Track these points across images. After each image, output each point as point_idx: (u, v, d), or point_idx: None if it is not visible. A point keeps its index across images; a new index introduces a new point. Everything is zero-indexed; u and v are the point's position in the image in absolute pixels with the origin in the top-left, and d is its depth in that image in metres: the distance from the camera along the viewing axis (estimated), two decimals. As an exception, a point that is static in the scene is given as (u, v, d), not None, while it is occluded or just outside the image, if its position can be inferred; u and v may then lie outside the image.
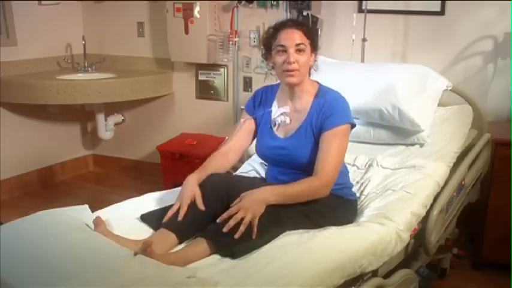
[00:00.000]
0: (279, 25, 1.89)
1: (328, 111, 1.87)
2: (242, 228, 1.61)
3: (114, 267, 1.39)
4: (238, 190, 1.80)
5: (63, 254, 1.46)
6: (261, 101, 2.06)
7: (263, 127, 2.03)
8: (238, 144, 2.06)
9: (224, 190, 1.81)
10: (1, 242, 1.51)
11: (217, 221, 1.66)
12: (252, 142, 2.10)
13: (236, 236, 1.60)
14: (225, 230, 1.61)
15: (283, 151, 1.93)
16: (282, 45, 1.85)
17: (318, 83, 1.99)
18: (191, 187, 1.80)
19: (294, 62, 1.84)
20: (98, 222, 1.67)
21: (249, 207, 1.65)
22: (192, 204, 1.77)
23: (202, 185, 1.84)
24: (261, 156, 2.07)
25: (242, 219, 1.63)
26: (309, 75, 1.97)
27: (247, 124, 2.06)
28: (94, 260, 1.43)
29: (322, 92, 1.95)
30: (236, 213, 1.64)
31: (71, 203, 3.55)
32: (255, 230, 1.63)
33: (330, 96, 1.92)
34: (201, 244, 1.63)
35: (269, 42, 1.91)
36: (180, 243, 1.70)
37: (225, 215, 1.65)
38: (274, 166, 2.03)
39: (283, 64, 1.86)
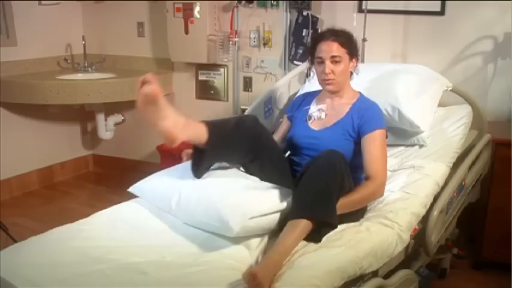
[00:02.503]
0: (318, 37, 2.07)
1: (367, 115, 2.00)
2: None
3: None
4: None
5: None
6: (300, 104, 2.21)
7: (298, 120, 2.16)
8: None
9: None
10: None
11: None
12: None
13: None
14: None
15: (314, 140, 2.02)
16: (319, 57, 2.02)
17: (360, 93, 2.14)
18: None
19: (329, 73, 2.00)
20: (151, 80, 1.59)
21: None
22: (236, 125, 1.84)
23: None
24: (289, 143, 2.14)
25: None
26: (350, 79, 2.11)
27: (284, 126, 2.26)
28: None
29: (362, 98, 2.10)
30: None
31: (71, 203, 3.62)
32: None
33: (370, 103, 2.08)
34: (300, 224, 1.62)
35: (312, 51, 2.07)
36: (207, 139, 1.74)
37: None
38: (295, 156, 2.09)
39: (321, 74, 2.03)
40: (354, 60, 2.06)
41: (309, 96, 2.22)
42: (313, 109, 2.13)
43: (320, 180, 1.68)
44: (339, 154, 1.76)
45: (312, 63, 2.11)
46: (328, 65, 1.99)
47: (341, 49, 2.00)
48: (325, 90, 2.09)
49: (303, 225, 1.63)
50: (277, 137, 2.23)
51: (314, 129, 2.07)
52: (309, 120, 2.11)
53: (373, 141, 1.94)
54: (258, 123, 1.92)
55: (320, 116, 2.09)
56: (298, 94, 2.31)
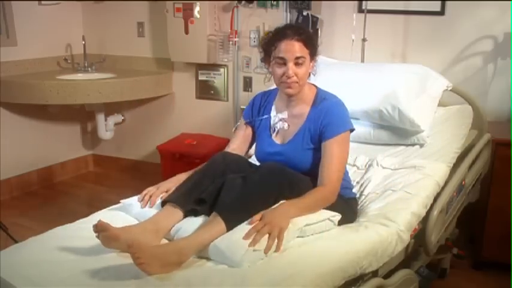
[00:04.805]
0: (279, 34, 1.84)
1: (327, 119, 1.87)
2: (271, 242, 1.56)
3: None
4: (235, 167, 1.85)
5: None
6: (259, 108, 2.06)
7: (262, 132, 2.03)
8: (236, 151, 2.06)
9: (222, 167, 1.85)
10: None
11: (243, 239, 1.57)
12: (249, 148, 2.12)
13: (265, 252, 1.55)
14: (250, 245, 1.54)
15: (281, 157, 1.93)
16: (281, 58, 1.83)
17: (316, 87, 1.99)
18: (175, 182, 1.89)
19: (293, 76, 1.83)
20: (104, 227, 1.59)
21: (275, 222, 1.60)
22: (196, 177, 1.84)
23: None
24: (260, 161, 2.05)
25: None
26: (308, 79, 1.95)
27: (244, 132, 2.09)
28: None
29: (320, 97, 1.94)
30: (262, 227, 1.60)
31: (70, 203, 3.62)
32: (281, 244, 1.59)
33: (328, 103, 1.92)
34: (219, 225, 1.62)
35: (268, 48, 1.88)
36: (184, 216, 1.75)
37: (251, 231, 1.58)
38: None
39: (282, 76, 1.85)
40: (313, 61, 1.90)
41: (267, 99, 2.06)
42: (275, 119, 1.99)
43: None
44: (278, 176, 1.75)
45: (267, 62, 1.92)
46: (292, 67, 1.81)
47: (305, 50, 1.83)
48: (284, 93, 1.93)
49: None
50: (235, 144, 2.07)
51: (278, 143, 1.98)
52: (273, 132, 1.99)
53: (332, 146, 1.84)
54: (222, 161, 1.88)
55: (283, 126, 1.97)
56: (255, 96, 2.12)
